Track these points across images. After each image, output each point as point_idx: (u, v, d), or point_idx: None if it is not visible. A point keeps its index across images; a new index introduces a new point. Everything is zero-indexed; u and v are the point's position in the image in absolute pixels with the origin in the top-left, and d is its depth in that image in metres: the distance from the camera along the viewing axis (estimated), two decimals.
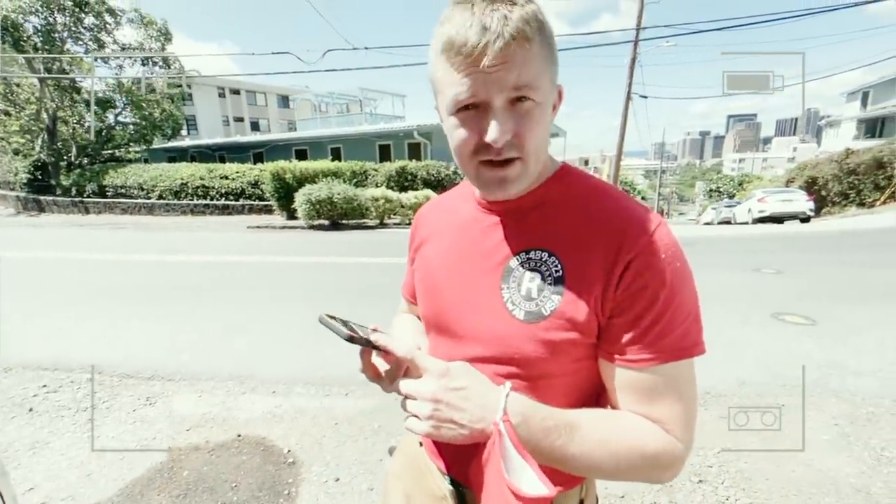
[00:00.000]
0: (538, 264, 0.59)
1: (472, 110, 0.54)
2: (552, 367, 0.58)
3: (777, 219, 13.51)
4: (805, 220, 13.47)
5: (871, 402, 2.57)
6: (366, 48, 12.54)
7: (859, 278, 5.39)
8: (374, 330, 0.63)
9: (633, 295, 0.54)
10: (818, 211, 15.04)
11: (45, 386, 2.96)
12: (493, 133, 0.53)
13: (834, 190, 15.87)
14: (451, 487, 0.69)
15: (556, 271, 0.58)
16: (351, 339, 0.56)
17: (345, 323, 0.60)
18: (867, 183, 15.14)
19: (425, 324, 0.75)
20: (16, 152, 20.70)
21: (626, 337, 0.55)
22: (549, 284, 0.58)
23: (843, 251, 7.34)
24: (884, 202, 14.55)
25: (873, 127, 28.44)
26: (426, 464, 0.74)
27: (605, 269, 0.55)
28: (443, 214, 0.76)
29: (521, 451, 0.47)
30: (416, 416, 0.53)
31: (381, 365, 0.62)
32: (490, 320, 0.61)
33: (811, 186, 16.04)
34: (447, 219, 0.75)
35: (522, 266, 0.60)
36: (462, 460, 0.67)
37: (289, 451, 2.27)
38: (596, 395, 0.63)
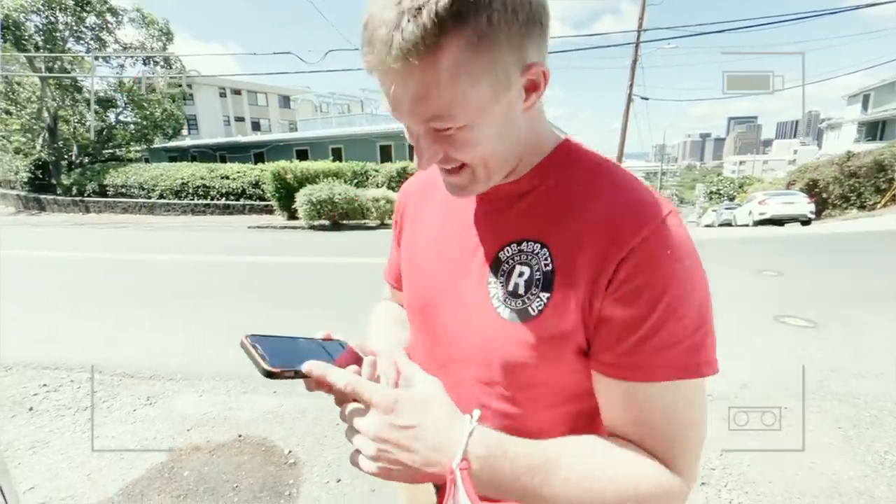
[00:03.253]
0: (529, 257, 0.52)
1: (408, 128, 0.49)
2: (538, 374, 0.51)
3: (778, 221, 13.51)
4: (806, 222, 13.47)
5: (875, 404, 2.56)
6: None
7: (861, 281, 5.38)
8: (327, 339, 0.56)
9: (626, 297, 0.46)
10: (819, 214, 15.04)
11: (45, 385, 2.95)
12: (416, 161, 0.50)
13: (835, 193, 15.88)
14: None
15: (546, 266, 0.50)
16: (269, 375, 0.44)
17: (282, 339, 0.50)
18: (868, 186, 15.15)
19: (408, 315, 0.68)
20: (17, 151, 20.73)
21: (619, 347, 0.47)
22: (539, 280, 0.50)
23: (845, 254, 7.33)
24: (884, 205, 14.55)
25: (874, 130, 28.46)
26: None
27: (595, 265, 0.47)
28: (432, 191, 0.67)
29: None
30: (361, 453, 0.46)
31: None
32: (472, 318, 0.55)
33: (812, 189, 16.05)
34: (437, 197, 0.65)
35: (512, 258, 0.53)
36: None
37: (290, 451, 2.26)
38: (589, 412, 0.54)
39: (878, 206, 14.70)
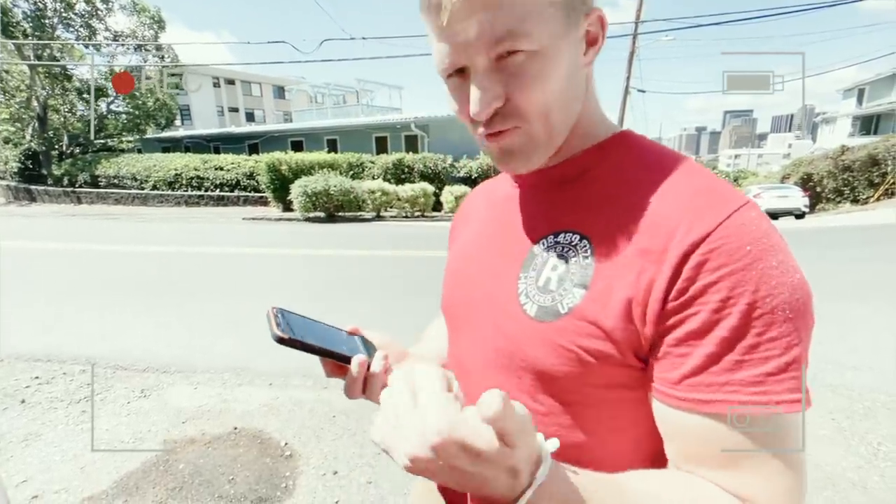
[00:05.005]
0: (566, 249, 0.46)
1: (458, 76, 0.44)
2: (577, 387, 0.44)
3: (772, 215, 13.58)
4: (800, 216, 13.58)
5: (868, 396, 2.58)
6: (363, 38, 12.41)
7: (854, 274, 5.42)
8: (352, 333, 0.53)
9: (691, 305, 0.37)
10: (812, 207, 15.14)
11: (37, 377, 2.92)
12: (473, 105, 0.42)
13: (829, 186, 15.96)
14: None
15: (585, 259, 0.44)
16: (279, 341, 0.45)
17: (305, 319, 0.52)
18: (861, 180, 15.23)
19: (444, 316, 0.64)
20: (6, 141, 20.40)
21: (687, 363, 0.38)
22: (574, 275, 0.44)
23: (838, 247, 7.39)
24: (877, 199, 14.65)
25: (869, 124, 28.60)
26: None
27: (651, 264, 0.39)
28: (483, 195, 0.66)
29: None
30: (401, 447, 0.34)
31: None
32: (498, 315, 0.49)
33: (806, 183, 16.13)
34: (485, 199, 0.64)
35: (548, 251, 0.48)
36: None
37: (286, 443, 2.25)
38: (652, 450, 0.46)
39: (872, 199, 14.81)
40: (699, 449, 0.39)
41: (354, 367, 0.48)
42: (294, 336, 0.46)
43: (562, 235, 0.47)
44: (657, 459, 0.48)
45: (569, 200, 0.49)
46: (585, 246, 0.45)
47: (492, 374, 0.50)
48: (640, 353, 0.41)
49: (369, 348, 0.53)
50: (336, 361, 0.50)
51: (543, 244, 0.48)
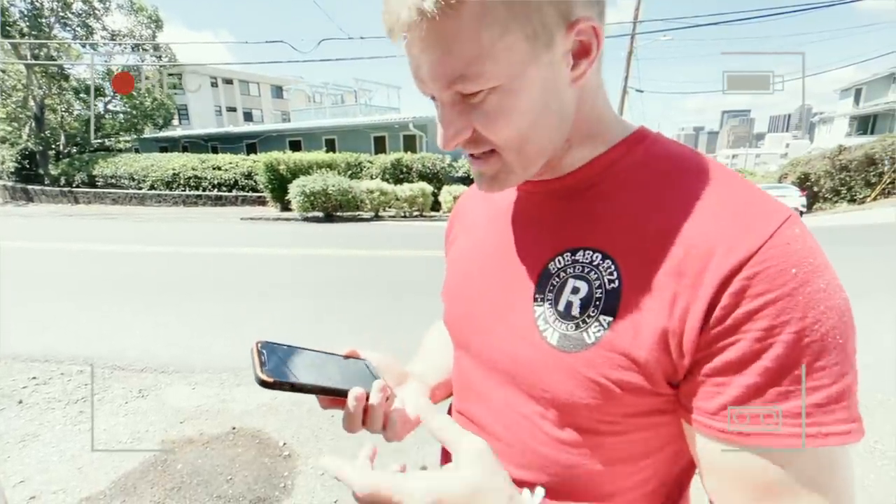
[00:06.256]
0: (587, 269, 0.42)
1: (435, 100, 0.43)
2: (601, 416, 0.42)
3: None
4: None
5: (864, 395, 2.58)
6: (361, 38, 12.38)
7: (851, 273, 5.42)
8: (349, 356, 0.52)
9: (733, 333, 0.35)
10: (810, 207, 15.20)
11: (34, 378, 2.91)
12: (438, 139, 0.42)
13: (826, 186, 16.01)
14: None
15: (611, 281, 0.40)
16: (262, 384, 0.42)
17: (294, 350, 0.48)
18: (858, 179, 15.29)
19: (448, 330, 0.59)
20: (2, 140, 20.33)
21: (727, 393, 0.36)
22: (599, 300, 0.41)
23: (834, 246, 7.40)
24: (874, 199, 14.71)
25: (865, 124, 28.70)
26: None
27: (687, 283, 0.37)
28: (481, 196, 0.60)
29: None
30: None
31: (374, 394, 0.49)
32: (514, 341, 0.46)
33: (803, 182, 16.17)
34: (485, 201, 0.59)
35: (565, 270, 0.44)
36: None
37: (284, 443, 2.25)
38: (682, 470, 0.46)
39: (868, 199, 14.86)
40: (738, 482, 0.37)
41: (351, 402, 0.45)
42: (281, 378, 0.43)
43: (580, 253, 0.43)
44: (685, 482, 0.48)
45: (584, 213, 0.45)
46: (610, 267, 0.41)
47: (506, 397, 0.47)
48: (674, 380, 0.39)
49: (368, 374, 0.50)
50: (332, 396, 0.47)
51: (560, 262, 0.45)
